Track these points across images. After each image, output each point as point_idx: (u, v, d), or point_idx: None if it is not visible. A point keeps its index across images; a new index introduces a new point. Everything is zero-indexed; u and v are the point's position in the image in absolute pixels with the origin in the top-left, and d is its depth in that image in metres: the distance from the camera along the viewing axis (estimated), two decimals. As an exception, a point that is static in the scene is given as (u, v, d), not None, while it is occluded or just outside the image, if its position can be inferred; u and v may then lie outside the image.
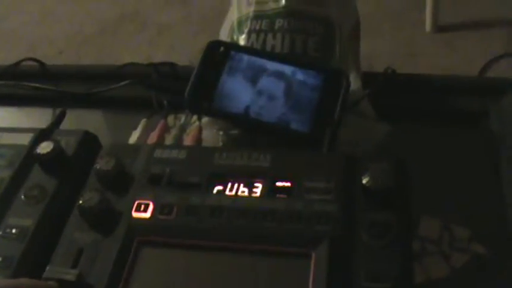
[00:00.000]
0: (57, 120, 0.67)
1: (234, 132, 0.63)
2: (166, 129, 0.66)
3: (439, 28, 1.83)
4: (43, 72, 0.82)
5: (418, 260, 0.59)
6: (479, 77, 0.77)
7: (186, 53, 1.82)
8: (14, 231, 0.52)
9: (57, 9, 2.15)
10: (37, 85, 0.77)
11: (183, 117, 0.67)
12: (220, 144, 0.64)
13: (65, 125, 0.70)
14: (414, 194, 0.53)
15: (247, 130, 0.62)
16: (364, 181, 0.49)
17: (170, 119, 0.71)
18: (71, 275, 0.46)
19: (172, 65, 0.79)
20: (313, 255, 0.45)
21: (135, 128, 0.69)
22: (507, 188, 0.61)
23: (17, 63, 0.81)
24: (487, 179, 0.64)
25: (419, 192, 0.59)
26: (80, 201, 0.51)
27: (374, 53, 1.55)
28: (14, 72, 0.81)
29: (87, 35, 2.02)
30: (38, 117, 0.78)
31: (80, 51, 1.97)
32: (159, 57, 1.93)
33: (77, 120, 0.75)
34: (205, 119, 0.64)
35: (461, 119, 0.71)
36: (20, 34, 2.07)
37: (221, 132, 0.64)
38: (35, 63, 0.82)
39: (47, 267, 0.47)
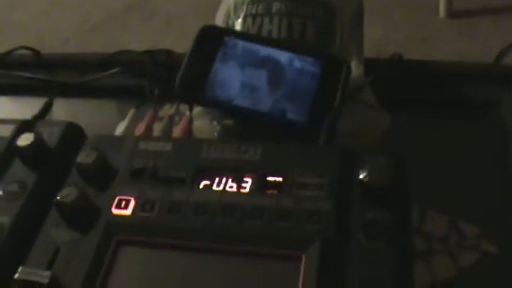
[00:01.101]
0: (42, 111, 0.63)
1: (229, 122, 0.60)
2: (158, 118, 0.63)
3: (453, 14, 1.78)
4: (37, 60, 0.79)
5: (424, 259, 0.55)
6: (489, 64, 0.73)
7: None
8: (-11, 228, 0.49)
9: (64, -1, 2.14)
10: (27, 74, 0.74)
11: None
12: (215, 134, 0.61)
13: (55, 115, 0.68)
14: (420, 189, 0.50)
15: (241, 120, 0.59)
16: (361, 176, 0.45)
17: (166, 107, 0.68)
18: (43, 277, 0.43)
19: (168, 52, 0.75)
20: (304, 257, 0.42)
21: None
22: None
23: (10, 52, 0.79)
24: (497, 174, 0.60)
25: (425, 187, 0.55)
26: (58, 197, 0.48)
27: (385, 39, 1.52)
28: (7, 61, 0.78)
29: (95, 24, 2.00)
30: (30, 107, 0.75)
31: (87, 40, 1.94)
32: (167, 46, 1.91)
33: (68, 109, 0.72)
34: (198, 109, 0.61)
35: (470, 108, 0.67)
36: (28, 24, 2.06)
37: (215, 123, 0.60)
38: (29, 52, 0.79)
39: (20, 268, 0.44)
